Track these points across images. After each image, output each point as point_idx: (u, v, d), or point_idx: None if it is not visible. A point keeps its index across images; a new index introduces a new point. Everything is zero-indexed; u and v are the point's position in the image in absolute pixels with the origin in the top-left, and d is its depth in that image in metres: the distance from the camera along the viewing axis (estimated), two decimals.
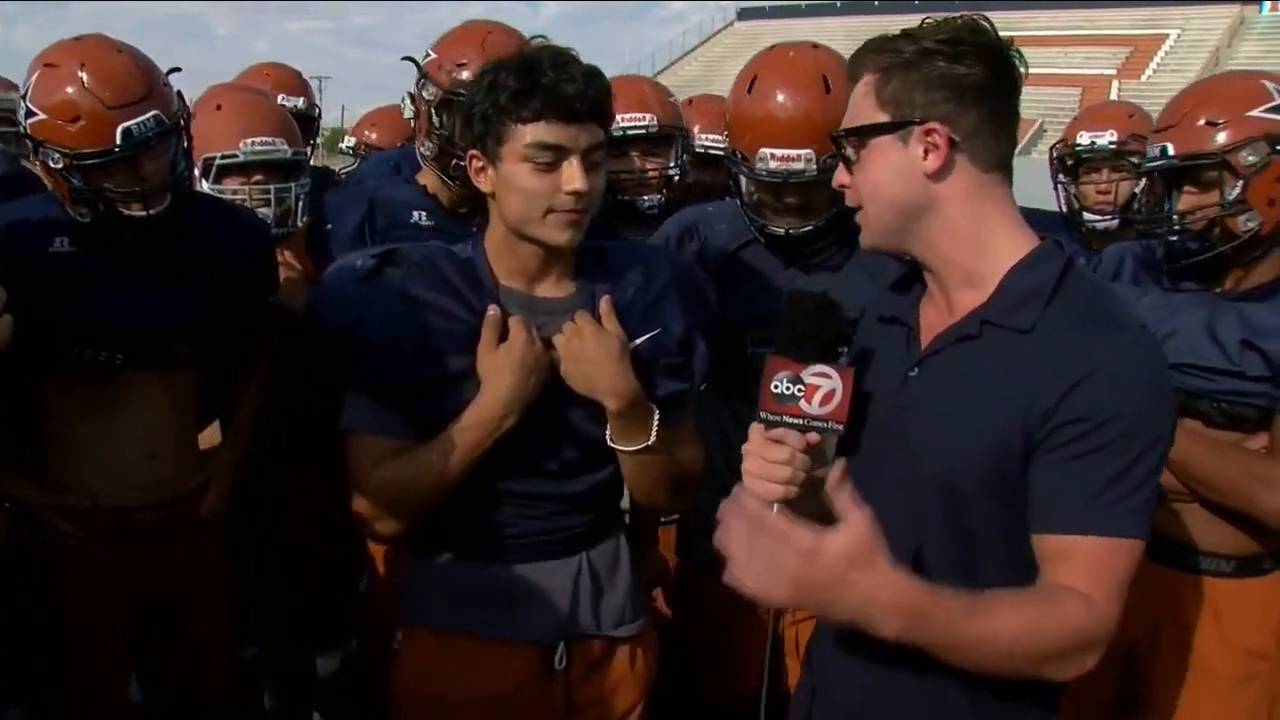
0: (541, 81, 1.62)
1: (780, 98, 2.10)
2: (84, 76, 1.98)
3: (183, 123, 2.14)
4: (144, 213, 2.04)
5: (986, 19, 1.40)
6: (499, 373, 1.68)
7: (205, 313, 2.18)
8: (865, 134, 1.41)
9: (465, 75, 2.21)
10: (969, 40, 1.37)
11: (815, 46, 2.21)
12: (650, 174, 2.66)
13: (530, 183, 1.65)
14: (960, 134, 1.36)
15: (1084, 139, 2.96)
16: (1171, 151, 2.04)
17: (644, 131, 2.66)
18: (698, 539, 2.39)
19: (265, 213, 2.57)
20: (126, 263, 2.10)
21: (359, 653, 3.12)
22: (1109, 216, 2.91)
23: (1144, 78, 41.13)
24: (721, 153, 2.94)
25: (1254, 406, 2.02)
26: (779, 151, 2.07)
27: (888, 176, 1.40)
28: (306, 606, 2.90)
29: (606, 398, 1.71)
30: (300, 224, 2.64)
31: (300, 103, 3.60)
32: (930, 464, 1.39)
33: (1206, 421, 2.06)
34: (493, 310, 1.71)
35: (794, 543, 1.21)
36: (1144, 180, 2.18)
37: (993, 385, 1.35)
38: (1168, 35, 45.04)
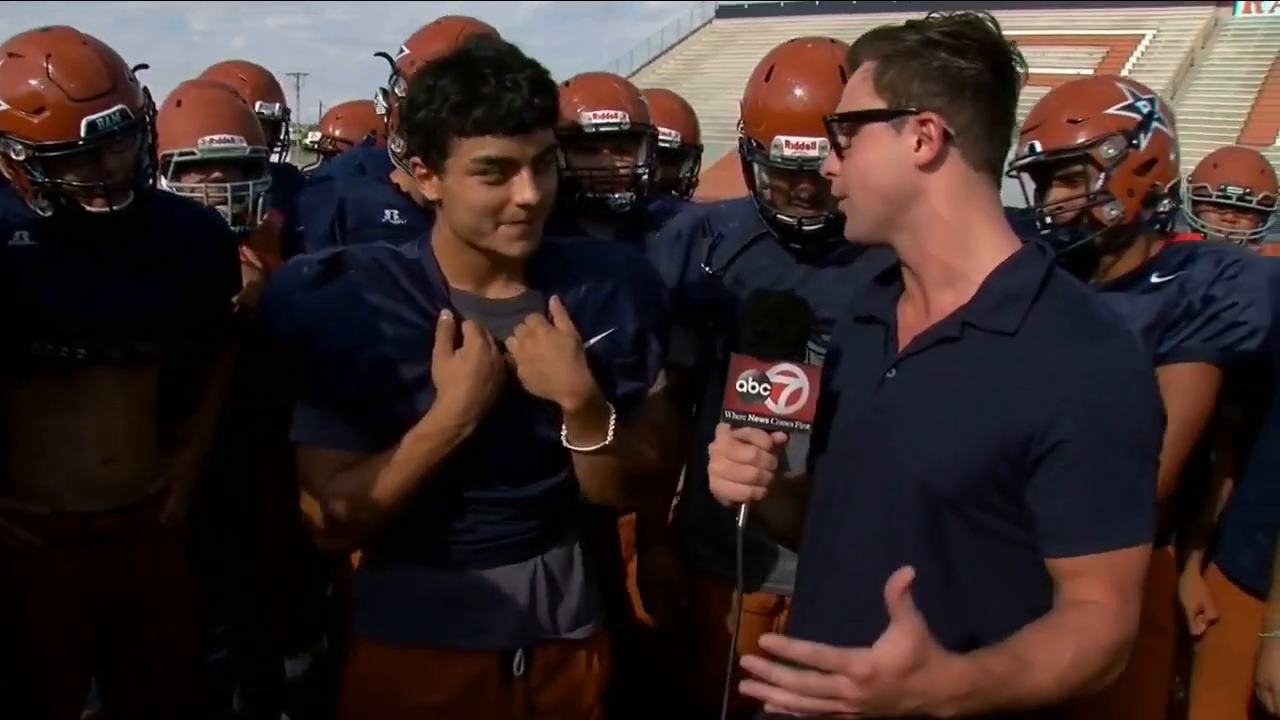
0: (484, 91, 1.55)
1: (797, 87, 2.13)
2: (49, 68, 1.95)
3: (148, 118, 2.10)
4: (106, 208, 2.01)
5: (991, 18, 1.39)
6: (455, 381, 1.64)
7: (165, 308, 2.15)
8: (859, 120, 1.40)
9: None
10: (972, 35, 1.36)
11: (833, 42, 2.23)
12: (621, 171, 2.65)
13: (479, 196, 1.60)
14: (954, 128, 1.36)
15: None
16: (1039, 148, 2.20)
17: (615, 129, 2.65)
18: (693, 539, 2.37)
19: (223, 210, 2.55)
20: (87, 257, 2.07)
21: (328, 655, 3.09)
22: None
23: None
24: (672, 146, 2.94)
25: None
26: (795, 139, 2.09)
27: (878, 164, 1.39)
28: (275, 608, 2.87)
29: (563, 398, 1.68)
30: (259, 222, 2.62)
31: (275, 109, 3.58)
32: (908, 466, 1.37)
33: None
34: (446, 315, 1.67)
35: (852, 670, 1.18)
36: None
37: (975, 389, 1.34)
38: (1144, 36, 45.32)
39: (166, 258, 2.16)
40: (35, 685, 2.18)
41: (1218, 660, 2.39)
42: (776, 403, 1.39)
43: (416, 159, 1.66)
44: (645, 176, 2.69)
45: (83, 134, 1.96)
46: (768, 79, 2.18)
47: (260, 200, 2.63)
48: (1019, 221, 2.80)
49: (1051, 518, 1.32)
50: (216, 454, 2.49)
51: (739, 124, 2.26)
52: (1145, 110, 2.16)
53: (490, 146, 1.57)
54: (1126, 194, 2.14)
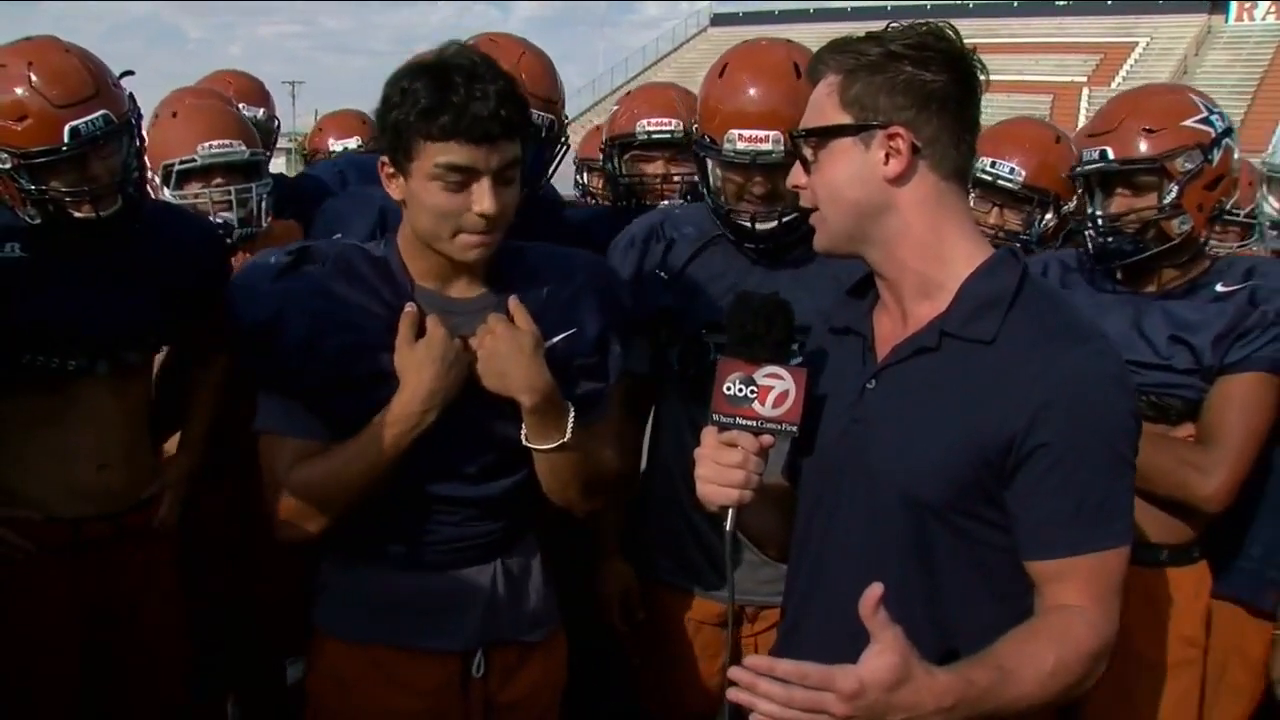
0: (452, 99, 1.57)
1: (750, 81, 2.12)
2: (31, 76, 1.96)
3: (134, 123, 2.11)
4: (93, 214, 2.02)
5: (951, 26, 1.39)
6: (418, 367, 1.66)
7: (155, 318, 2.15)
8: (826, 135, 1.39)
9: None
10: (935, 47, 1.36)
11: (789, 42, 2.23)
12: (675, 178, 2.69)
13: (439, 201, 1.62)
14: (922, 140, 1.36)
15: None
16: (1112, 155, 2.14)
17: (669, 137, 2.70)
18: (652, 551, 2.36)
19: (228, 215, 2.57)
20: (77, 267, 2.07)
21: None
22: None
23: (1114, 85, 41.47)
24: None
25: (1180, 398, 2.12)
26: (747, 132, 2.07)
27: (847, 179, 1.39)
28: (274, 611, 2.85)
29: (521, 394, 1.69)
30: (264, 224, 2.62)
31: (259, 114, 3.58)
32: (890, 477, 1.37)
33: None
34: (410, 307, 1.69)
35: (838, 687, 1.17)
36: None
37: (954, 398, 1.34)
38: (1137, 43, 45.50)
39: (158, 268, 2.16)
40: (26, 691, 2.17)
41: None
42: (764, 405, 1.39)
43: (384, 158, 1.67)
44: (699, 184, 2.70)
45: (66, 140, 1.97)
46: (721, 76, 2.17)
47: (264, 202, 2.64)
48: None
49: (1030, 521, 1.32)
50: (214, 454, 2.48)
51: (694, 125, 2.25)
52: (1219, 126, 2.13)
53: (453, 153, 1.59)
54: (1196, 208, 2.10)
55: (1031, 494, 1.31)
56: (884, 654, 1.18)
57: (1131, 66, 43.69)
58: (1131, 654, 2.18)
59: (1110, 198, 2.18)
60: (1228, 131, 2.14)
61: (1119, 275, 2.21)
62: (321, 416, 1.72)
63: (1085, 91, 40.05)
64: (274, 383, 1.73)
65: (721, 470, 1.40)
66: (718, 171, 2.17)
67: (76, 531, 2.16)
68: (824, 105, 1.41)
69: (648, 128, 2.69)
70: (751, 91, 2.10)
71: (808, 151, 1.42)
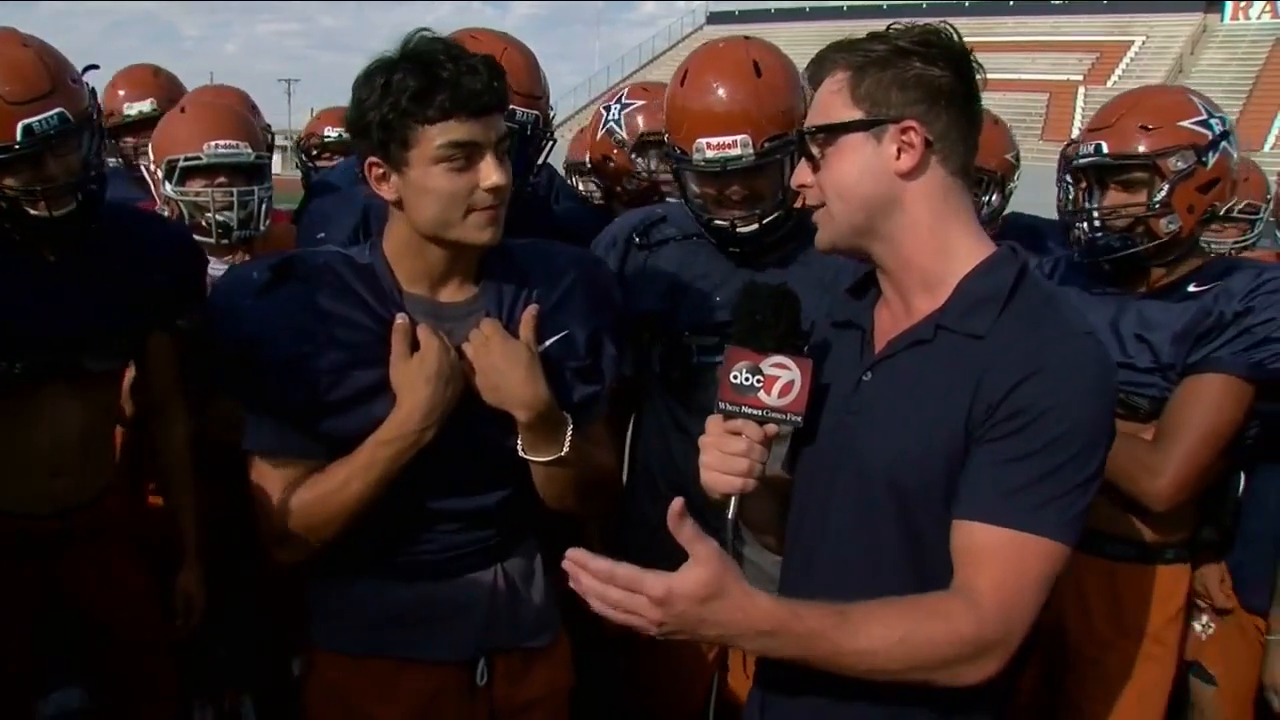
0: (443, 76, 1.54)
1: (712, 86, 2.09)
2: None
3: (95, 119, 2.05)
4: (46, 214, 1.96)
5: (950, 25, 1.41)
6: (415, 384, 1.62)
7: (116, 322, 2.09)
8: (836, 131, 1.40)
9: None
10: (939, 44, 1.37)
11: (747, 39, 2.20)
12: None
13: (446, 184, 1.58)
14: (933, 135, 1.37)
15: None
16: (1106, 150, 2.16)
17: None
18: (637, 554, 2.35)
19: (228, 215, 2.56)
20: (35, 269, 2.02)
21: None
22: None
23: (1109, 83, 41.50)
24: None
25: (1146, 396, 2.13)
26: (715, 140, 2.06)
27: (858, 174, 1.39)
28: (281, 605, 2.85)
29: (516, 409, 1.66)
30: (263, 227, 2.62)
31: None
32: (877, 466, 1.38)
33: None
34: (401, 319, 1.64)
35: (647, 591, 1.21)
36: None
37: (939, 386, 1.35)
38: (1133, 42, 45.50)
39: (123, 271, 2.09)
40: None
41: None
42: (769, 394, 1.39)
43: (372, 160, 1.62)
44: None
45: (18, 138, 1.90)
46: (683, 83, 2.14)
47: (264, 205, 2.63)
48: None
49: (967, 482, 1.31)
50: (212, 452, 2.47)
51: (665, 134, 2.22)
52: (1217, 130, 2.13)
53: (456, 131, 1.55)
54: (1186, 209, 2.11)
55: (980, 462, 1.31)
56: (694, 566, 1.21)
57: (1127, 65, 43.70)
58: (1096, 647, 2.27)
59: (1104, 193, 2.20)
60: (1226, 135, 2.14)
61: (1110, 272, 2.22)
62: (314, 434, 1.66)
63: (1081, 90, 40.06)
64: (262, 403, 1.67)
65: (726, 459, 1.41)
66: (693, 184, 2.15)
67: (25, 530, 2.10)
68: (832, 102, 1.41)
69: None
70: (714, 96, 2.08)
71: (815, 149, 1.43)
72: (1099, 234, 2.18)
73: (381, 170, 1.62)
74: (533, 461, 1.71)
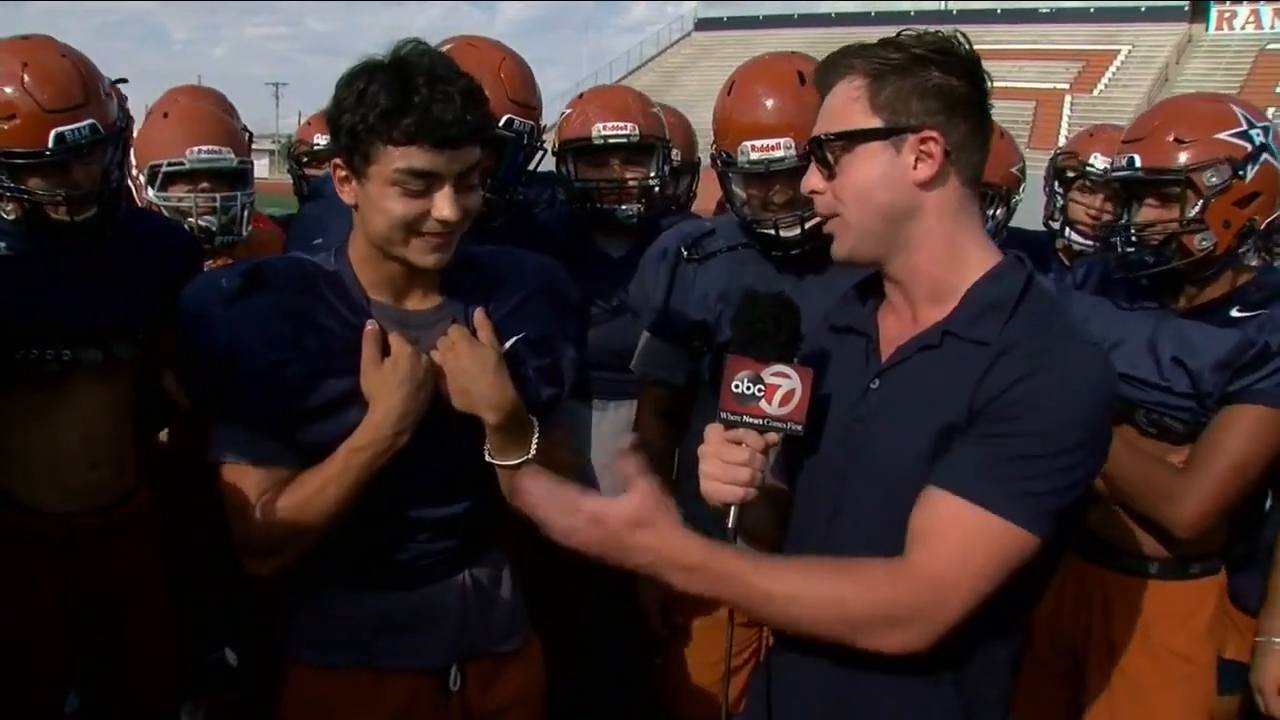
0: (414, 100, 1.50)
1: (757, 92, 2.17)
2: (25, 76, 1.96)
3: (122, 131, 2.10)
4: (68, 219, 2.02)
5: (961, 34, 1.40)
6: (388, 390, 1.60)
7: (140, 309, 2.15)
8: (855, 139, 1.38)
9: None
10: (955, 52, 1.36)
11: (792, 54, 2.29)
12: (630, 183, 2.66)
13: (399, 207, 1.55)
14: (951, 145, 1.36)
15: (1097, 162, 2.96)
16: (1139, 164, 2.07)
17: (625, 140, 2.66)
18: None
19: (210, 220, 2.56)
20: (62, 263, 2.07)
21: None
22: (1090, 242, 2.93)
23: (1096, 92, 41.81)
24: (672, 163, 2.94)
25: (1180, 420, 2.07)
26: (759, 142, 2.13)
27: (876, 182, 1.37)
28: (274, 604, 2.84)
29: (485, 412, 1.65)
30: (245, 232, 2.63)
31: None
32: (886, 472, 1.38)
33: (1140, 430, 2.11)
34: (371, 325, 1.62)
35: (584, 510, 1.27)
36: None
37: (943, 390, 1.34)
38: (1119, 51, 45.87)
39: (135, 266, 2.16)
40: (14, 688, 2.15)
41: None
42: (770, 404, 1.39)
43: (338, 161, 1.60)
44: (656, 189, 2.69)
45: (50, 145, 1.96)
46: (730, 93, 2.23)
47: (246, 211, 2.65)
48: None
49: (946, 459, 1.30)
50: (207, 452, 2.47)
51: (712, 143, 2.30)
52: (1258, 140, 2.01)
53: (416, 158, 1.52)
54: (1222, 225, 2.00)
55: (966, 443, 1.30)
56: (631, 495, 1.27)
57: (1113, 74, 44.03)
58: (1121, 665, 2.19)
59: (1139, 207, 2.12)
60: (1266, 148, 2.02)
61: (1147, 286, 2.14)
62: (285, 443, 1.64)
63: (1068, 98, 40.36)
64: (234, 412, 1.64)
65: (727, 468, 1.40)
66: (738, 187, 2.22)
67: (68, 525, 2.16)
68: (849, 109, 1.39)
69: (603, 131, 2.64)
70: (759, 103, 2.16)
71: (830, 156, 1.41)
72: (1132, 249, 2.11)
73: (344, 174, 1.60)
74: (500, 466, 1.71)
